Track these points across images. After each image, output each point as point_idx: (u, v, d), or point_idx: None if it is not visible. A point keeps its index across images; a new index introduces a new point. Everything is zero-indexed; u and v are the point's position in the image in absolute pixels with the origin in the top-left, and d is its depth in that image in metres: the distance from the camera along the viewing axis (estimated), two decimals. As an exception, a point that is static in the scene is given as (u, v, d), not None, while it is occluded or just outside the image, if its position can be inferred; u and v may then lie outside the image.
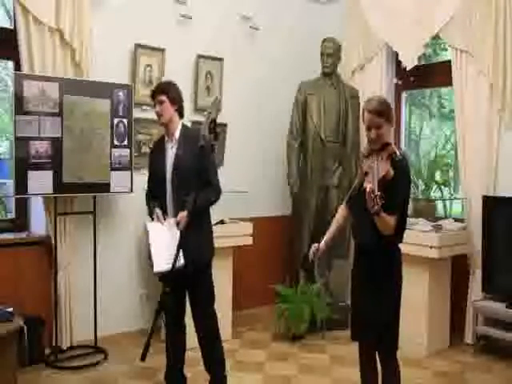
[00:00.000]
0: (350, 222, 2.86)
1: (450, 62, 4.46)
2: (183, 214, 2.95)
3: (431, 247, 4.00)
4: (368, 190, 2.43)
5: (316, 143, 4.74)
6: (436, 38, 4.64)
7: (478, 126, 4.30)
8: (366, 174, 2.56)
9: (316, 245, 2.84)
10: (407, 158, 2.73)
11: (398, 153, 2.62)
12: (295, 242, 4.90)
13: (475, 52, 4.27)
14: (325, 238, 2.88)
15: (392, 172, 2.55)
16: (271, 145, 5.17)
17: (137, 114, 4.22)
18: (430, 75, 4.89)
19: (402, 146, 5.06)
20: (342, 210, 2.93)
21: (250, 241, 4.33)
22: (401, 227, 2.67)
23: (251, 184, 4.94)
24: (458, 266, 4.35)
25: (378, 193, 2.40)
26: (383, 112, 2.64)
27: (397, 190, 2.59)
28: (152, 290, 4.42)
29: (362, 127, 4.73)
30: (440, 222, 4.33)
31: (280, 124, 5.05)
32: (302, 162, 4.84)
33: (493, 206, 4.12)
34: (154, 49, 4.32)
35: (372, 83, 4.96)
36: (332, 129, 4.76)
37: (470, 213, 4.35)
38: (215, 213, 4.17)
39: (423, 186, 4.60)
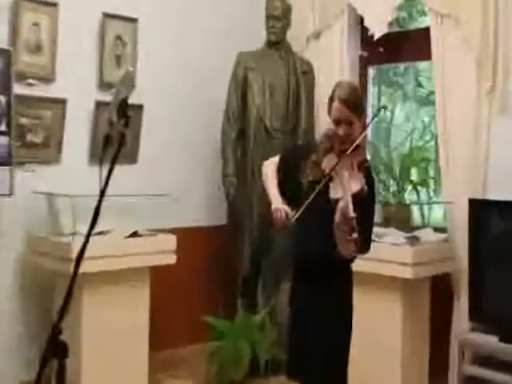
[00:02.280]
0: (293, 230, 2.93)
1: (429, 29, 4.54)
2: None
3: (404, 265, 4.06)
4: (340, 208, 2.52)
5: (259, 132, 4.80)
6: (412, -2, 4.75)
7: (463, 112, 4.39)
8: (330, 179, 2.65)
9: (280, 206, 2.81)
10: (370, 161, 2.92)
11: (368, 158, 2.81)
12: (232, 259, 4.95)
13: (460, 17, 4.38)
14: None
15: (366, 188, 2.68)
16: (202, 134, 5.20)
17: (19, 89, 4.11)
18: (404, 46, 5.00)
19: (369, 135, 5.13)
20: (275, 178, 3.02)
21: (172, 259, 4.33)
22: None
23: (175, 185, 4.92)
24: (439, 289, 4.43)
25: (353, 214, 2.48)
26: (358, 106, 2.79)
27: (368, 208, 2.74)
28: (34, 328, 4.30)
29: (319, 111, 4.98)
30: (416, 233, 4.40)
31: (214, 107, 5.08)
32: (242, 157, 4.89)
33: (482, 211, 4.19)
34: (42, 2, 4.24)
35: (330, 55, 5.04)
36: (279, 113, 4.84)
37: (454, 221, 4.44)
38: (126, 222, 4.15)
39: (395, 187, 4.68)
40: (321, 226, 2.69)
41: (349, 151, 2.71)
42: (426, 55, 4.59)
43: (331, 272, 2.81)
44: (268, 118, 4.78)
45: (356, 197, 2.59)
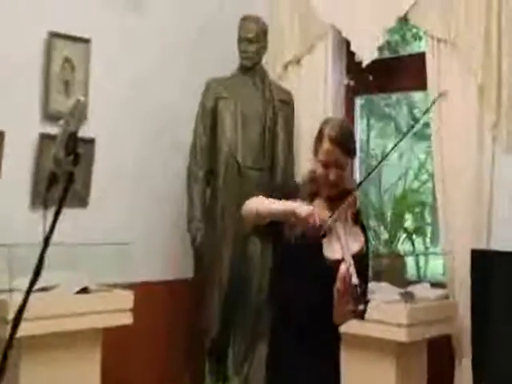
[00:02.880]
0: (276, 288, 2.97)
1: (424, 55, 4.60)
2: None
3: (398, 326, 4.04)
4: (341, 275, 2.49)
5: (230, 171, 4.79)
6: (405, 20, 4.80)
7: (463, 149, 4.43)
8: (324, 235, 2.62)
9: (310, 209, 2.69)
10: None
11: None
12: (199, 318, 4.89)
13: (459, 41, 4.43)
14: None
15: (365, 246, 2.67)
16: (165, 173, 5.17)
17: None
18: (396, 74, 5.05)
19: (356, 176, 5.15)
20: None
21: (128, 318, 4.27)
22: None
23: (133, 232, 4.89)
24: (438, 353, 4.43)
25: (356, 281, 2.43)
26: (353, 148, 2.83)
27: (367, 269, 2.83)
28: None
29: (299, 147, 5.01)
30: (411, 288, 4.40)
31: (180, 142, 5.07)
32: (211, 199, 4.87)
33: (486, 264, 4.20)
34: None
35: (312, 83, 5.06)
36: (254, 149, 4.84)
37: (454, 274, 4.44)
38: (74, 276, 4.08)
39: (386, 236, 4.70)
40: (315, 286, 2.73)
41: (345, 204, 2.70)
42: (421, 84, 4.64)
43: (322, 335, 2.83)
44: (241, 155, 4.78)
45: (355, 257, 2.57)
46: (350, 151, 2.79)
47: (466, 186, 4.41)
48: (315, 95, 5.04)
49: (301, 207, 2.67)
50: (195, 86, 4.94)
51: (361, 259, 2.61)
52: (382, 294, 4.25)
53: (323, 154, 2.77)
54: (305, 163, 4.77)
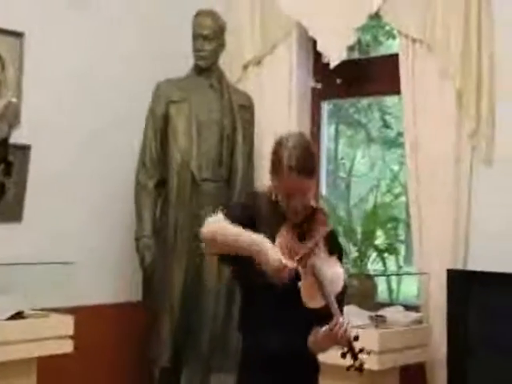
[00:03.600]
0: (245, 314, 2.97)
1: (397, 56, 4.62)
2: None
3: (368, 353, 3.96)
4: (335, 325, 2.57)
5: (184, 183, 4.78)
6: (376, 18, 4.80)
7: (439, 159, 4.45)
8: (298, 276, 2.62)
9: (279, 257, 2.63)
10: None
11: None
12: (148, 346, 4.86)
13: (436, 42, 4.43)
14: None
15: (346, 278, 2.74)
16: (111, 184, 5.13)
17: None
18: (367, 77, 5.05)
19: (323, 189, 5.16)
20: None
21: (68, 346, 4.25)
22: None
23: (75, 250, 4.83)
24: (411, 383, 4.44)
25: (353, 333, 2.55)
26: (315, 169, 2.78)
27: (343, 292, 2.80)
28: None
29: (258, 157, 4.96)
30: (382, 312, 4.40)
31: (127, 150, 5.05)
32: (162, 214, 4.86)
33: (464, 285, 4.21)
34: None
35: (275, 87, 5.07)
36: (210, 159, 4.84)
37: (429, 296, 4.47)
38: (6, 299, 4.07)
39: (356, 254, 4.68)
40: (288, 319, 2.76)
41: (320, 236, 2.71)
42: (394, 88, 4.66)
43: (308, 367, 2.89)
44: (195, 165, 4.76)
45: (339, 294, 2.66)
46: (312, 173, 2.75)
47: (441, 201, 4.42)
48: (278, 100, 5.05)
49: (272, 254, 2.61)
50: (143, 88, 4.93)
51: (343, 292, 2.72)
52: (350, 317, 4.19)
53: (284, 184, 2.72)
54: (266, 174, 4.70)
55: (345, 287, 2.78)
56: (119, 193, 5.08)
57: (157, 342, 4.78)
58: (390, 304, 4.69)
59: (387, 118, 6.47)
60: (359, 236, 4.70)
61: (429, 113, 4.47)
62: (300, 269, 2.62)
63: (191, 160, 4.75)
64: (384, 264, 4.78)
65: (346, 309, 4.23)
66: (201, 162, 4.78)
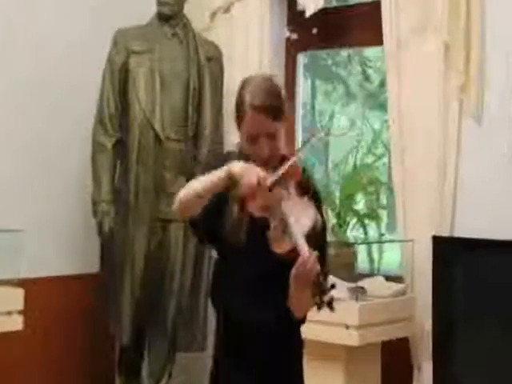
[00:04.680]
0: (217, 283, 2.96)
1: (379, 2, 4.62)
2: None
3: (347, 327, 4.12)
4: (298, 269, 2.49)
5: (146, 142, 4.80)
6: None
7: (425, 117, 4.51)
8: (267, 225, 2.59)
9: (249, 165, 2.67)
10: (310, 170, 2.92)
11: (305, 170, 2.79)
12: (107, 322, 4.89)
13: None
14: None
15: (319, 218, 2.64)
16: (64, 143, 5.13)
17: None
18: (346, 26, 5.09)
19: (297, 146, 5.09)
20: None
21: (17, 323, 4.24)
22: None
23: (25, 218, 4.81)
24: (393, 359, 4.52)
25: (318, 268, 2.46)
26: (281, 107, 2.74)
27: (324, 240, 2.80)
28: None
29: (228, 112, 4.80)
30: (363, 283, 4.46)
31: (81, 106, 5.05)
32: (122, 176, 4.88)
33: (450, 253, 4.27)
34: None
35: (245, 36, 5.08)
36: (176, 116, 4.87)
37: (413, 266, 4.54)
38: None
39: (334, 220, 4.72)
40: (264, 288, 2.74)
41: (283, 169, 2.65)
42: (376, 38, 4.68)
43: (285, 341, 2.84)
44: (159, 123, 4.79)
45: (310, 236, 2.56)
46: (278, 113, 2.71)
47: (427, 161, 4.49)
48: (249, 51, 5.09)
49: (234, 165, 2.63)
50: (101, 38, 4.91)
51: (316, 237, 2.59)
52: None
53: (247, 127, 2.71)
54: (236, 130, 4.72)
55: (324, 235, 2.79)
56: (74, 153, 5.09)
57: (117, 318, 4.80)
58: (371, 274, 4.73)
59: (368, 71, 6.46)
60: (338, 201, 4.73)
61: (413, 66, 4.51)
62: (269, 216, 2.58)
63: (154, 117, 4.76)
64: (365, 231, 4.81)
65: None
66: (164, 119, 4.79)
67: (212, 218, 2.73)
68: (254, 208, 2.59)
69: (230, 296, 2.84)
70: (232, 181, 2.61)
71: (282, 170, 2.64)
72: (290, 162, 2.66)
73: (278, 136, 2.74)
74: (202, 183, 2.73)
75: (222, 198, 2.69)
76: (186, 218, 2.88)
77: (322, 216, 2.74)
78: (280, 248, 2.54)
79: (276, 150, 2.74)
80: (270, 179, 2.58)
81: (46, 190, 5.08)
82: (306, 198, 2.68)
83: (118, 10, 5.18)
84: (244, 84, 2.78)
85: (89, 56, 5.06)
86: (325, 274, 2.45)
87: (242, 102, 2.73)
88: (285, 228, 2.54)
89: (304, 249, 2.47)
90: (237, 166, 2.62)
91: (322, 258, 2.59)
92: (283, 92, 2.80)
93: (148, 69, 4.80)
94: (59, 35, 5.04)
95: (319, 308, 2.44)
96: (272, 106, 2.70)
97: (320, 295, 2.42)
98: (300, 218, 2.57)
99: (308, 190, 2.74)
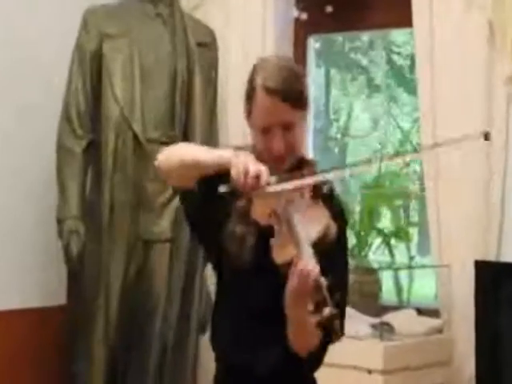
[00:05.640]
0: (217, 321, 2.89)
1: None
2: None
3: (370, 372, 4.08)
4: (297, 274, 2.39)
5: (124, 145, 4.76)
6: None
7: (465, 113, 4.45)
8: (271, 233, 2.54)
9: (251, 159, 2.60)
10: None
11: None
12: (73, 365, 4.83)
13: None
14: None
15: (334, 227, 2.56)
16: (27, 149, 5.07)
17: None
18: (367, 4, 5.06)
19: (310, 150, 5.21)
20: None
21: None
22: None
23: None
24: None
25: (323, 280, 2.34)
26: (302, 95, 2.69)
27: (340, 260, 2.77)
28: None
29: (227, 109, 5.03)
30: (388, 317, 4.45)
31: (46, 103, 5.02)
32: (93, 188, 4.85)
33: (496, 281, 4.26)
34: None
35: (245, 16, 5.08)
36: (160, 114, 4.86)
37: (452, 297, 4.49)
38: None
39: (353, 241, 4.66)
40: (267, 317, 2.65)
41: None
42: (404, 19, 4.70)
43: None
44: (139, 122, 4.73)
45: (319, 245, 2.45)
46: (298, 100, 2.63)
47: (468, 168, 4.43)
48: (249, 34, 5.05)
49: (231, 154, 2.59)
50: (71, 20, 4.84)
51: (325, 247, 2.49)
52: (346, 325, 4.11)
53: (259, 114, 2.64)
54: (233, 132, 4.86)
55: (339, 247, 2.68)
56: (37, 160, 5.05)
57: (85, 360, 4.76)
58: (399, 307, 4.73)
59: (395, 58, 6.49)
60: (358, 216, 4.71)
61: (450, 52, 4.48)
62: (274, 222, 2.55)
63: (133, 115, 4.73)
64: (391, 254, 4.79)
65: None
66: (146, 118, 4.76)
67: (210, 225, 2.73)
68: (259, 214, 2.58)
69: (234, 337, 2.80)
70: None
71: (292, 185, 2.59)
72: (308, 181, 2.61)
73: (297, 129, 2.67)
74: (207, 154, 2.68)
75: (223, 203, 2.65)
76: (169, 184, 2.94)
77: (345, 237, 2.78)
78: (280, 258, 2.47)
79: (292, 146, 2.66)
80: (273, 187, 2.54)
81: (6, 205, 5.07)
82: (320, 202, 2.63)
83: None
84: (256, 67, 2.71)
85: (60, 43, 5.03)
86: (329, 287, 2.33)
87: (252, 87, 2.67)
88: (289, 234, 2.49)
89: (305, 257, 2.39)
90: (229, 152, 2.61)
91: (334, 275, 2.40)
92: (305, 77, 2.78)
93: (126, 56, 4.77)
94: (25, 26, 5.06)
95: (320, 327, 2.32)
96: (290, 89, 2.62)
97: (316, 309, 2.32)
98: (309, 223, 2.53)
99: (325, 197, 2.68)
